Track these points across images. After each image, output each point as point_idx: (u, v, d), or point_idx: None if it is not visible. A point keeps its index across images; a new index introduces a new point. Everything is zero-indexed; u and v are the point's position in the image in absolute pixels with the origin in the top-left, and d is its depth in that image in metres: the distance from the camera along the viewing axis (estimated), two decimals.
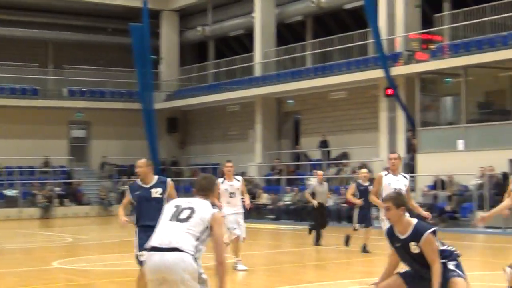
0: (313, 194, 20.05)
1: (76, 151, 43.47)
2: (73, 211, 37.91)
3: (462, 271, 7.50)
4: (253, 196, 35.32)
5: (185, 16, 46.12)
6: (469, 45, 28.81)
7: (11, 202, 36.84)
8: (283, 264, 17.76)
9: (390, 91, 30.78)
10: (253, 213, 33.38)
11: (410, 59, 30.78)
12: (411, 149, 30.50)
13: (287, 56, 39.20)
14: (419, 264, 7.35)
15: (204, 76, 44.73)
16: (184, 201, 7.26)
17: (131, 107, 41.35)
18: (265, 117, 39.53)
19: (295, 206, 31.66)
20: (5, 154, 38.82)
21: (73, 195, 39.25)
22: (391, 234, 7.45)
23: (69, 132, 43.72)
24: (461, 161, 27.20)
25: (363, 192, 17.94)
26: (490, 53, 27.66)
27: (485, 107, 30.43)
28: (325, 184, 20.77)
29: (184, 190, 33.08)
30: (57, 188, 38.59)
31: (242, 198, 15.22)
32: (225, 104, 41.89)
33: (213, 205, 7.27)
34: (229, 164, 15.15)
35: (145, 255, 7.09)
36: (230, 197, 14.61)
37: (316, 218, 20.16)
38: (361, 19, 34.49)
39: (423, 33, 32.06)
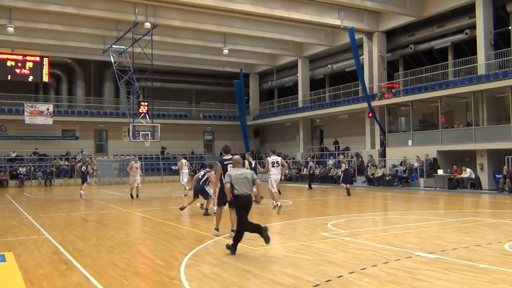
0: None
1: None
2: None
3: None
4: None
5: (262, 76, 44.72)
6: (413, 90, 27.91)
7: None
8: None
9: (371, 114, 30.14)
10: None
11: (381, 97, 29.93)
12: (383, 144, 29.81)
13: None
14: None
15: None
16: None
17: (235, 123, 40.64)
18: None
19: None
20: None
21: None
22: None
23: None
24: (410, 151, 26.65)
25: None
26: (425, 94, 26.88)
27: (423, 122, 29.53)
28: None
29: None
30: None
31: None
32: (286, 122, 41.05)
33: None
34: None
35: None
36: (273, 166, 14.37)
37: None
38: (354, 77, 33.24)
39: (388, 83, 30.88)
